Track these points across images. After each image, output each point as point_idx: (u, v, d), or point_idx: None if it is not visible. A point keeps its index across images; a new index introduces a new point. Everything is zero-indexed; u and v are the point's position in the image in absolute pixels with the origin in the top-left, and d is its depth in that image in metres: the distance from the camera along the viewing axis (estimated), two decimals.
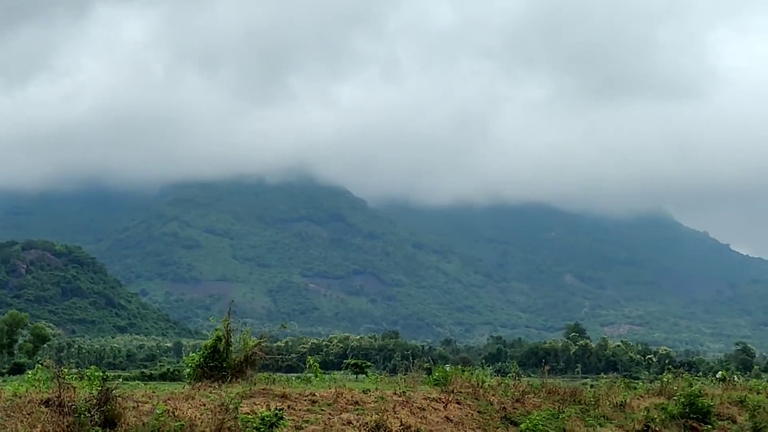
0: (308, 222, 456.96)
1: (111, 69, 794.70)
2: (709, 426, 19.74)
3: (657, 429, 18.85)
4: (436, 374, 19.00)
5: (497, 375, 25.59)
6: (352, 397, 15.87)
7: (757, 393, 23.93)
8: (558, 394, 19.60)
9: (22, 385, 13.99)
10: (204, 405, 13.51)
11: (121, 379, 22.90)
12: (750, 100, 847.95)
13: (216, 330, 17.07)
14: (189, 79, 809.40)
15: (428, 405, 16.62)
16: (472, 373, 19.48)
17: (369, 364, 52.86)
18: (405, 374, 20.07)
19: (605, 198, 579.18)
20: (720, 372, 36.19)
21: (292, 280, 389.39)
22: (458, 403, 17.31)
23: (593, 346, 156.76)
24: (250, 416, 13.00)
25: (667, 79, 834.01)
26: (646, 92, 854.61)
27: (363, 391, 16.58)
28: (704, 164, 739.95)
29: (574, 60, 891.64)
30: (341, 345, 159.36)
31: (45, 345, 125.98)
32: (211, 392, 14.52)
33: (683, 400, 20.16)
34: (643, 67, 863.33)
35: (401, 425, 14.80)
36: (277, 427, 12.81)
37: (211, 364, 16.60)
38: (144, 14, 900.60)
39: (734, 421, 20.98)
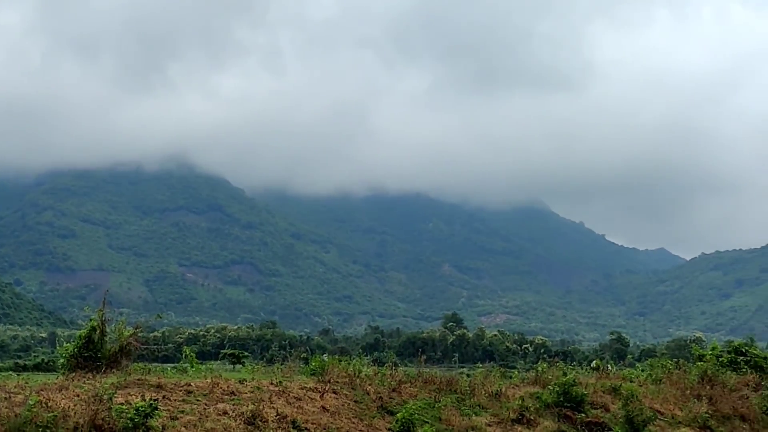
0: (186, 211, 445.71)
1: None
2: (583, 414, 20.01)
3: (531, 417, 19.07)
4: (313, 364, 18.76)
5: (374, 365, 25.86)
6: (228, 387, 15.89)
7: (630, 381, 24.18)
8: (434, 384, 19.77)
9: None
10: (78, 396, 13.33)
11: None
12: (626, 93, 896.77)
13: (91, 320, 16.80)
14: (66, 67, 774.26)
15: (305, 395, 16.74)
16: (349, 363, 19.50)
17: (246, 354, 52.46)
18: (282, 364, 20.31)
19: (483, 189, 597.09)
20: (594, 361, 37.04)
21: (169, 270, 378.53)
22: (335, 392, 17.44)
23: (470, 335, 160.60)
24: (124, 407, 12.90)
25: (545, 72, 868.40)
26: (525, 84, 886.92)
27: (239, 381, 16.59)
28: (580, 156, 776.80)
29: (454, 51, 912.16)
30: (218, 335, 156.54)
31: None
32: (85, 383, 14.29)
33: (557, 389, 20.36)
34: (523, 59, 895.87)
35: (277, 415, 14.94)
36: (151, 417, 12.79)
37: (86, 355, 16.34)
38: (21, 0, 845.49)
39: (607, 410, 21.25)
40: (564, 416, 19.80)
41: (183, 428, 13.43)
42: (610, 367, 30.75)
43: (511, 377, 24.00)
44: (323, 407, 16.45)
